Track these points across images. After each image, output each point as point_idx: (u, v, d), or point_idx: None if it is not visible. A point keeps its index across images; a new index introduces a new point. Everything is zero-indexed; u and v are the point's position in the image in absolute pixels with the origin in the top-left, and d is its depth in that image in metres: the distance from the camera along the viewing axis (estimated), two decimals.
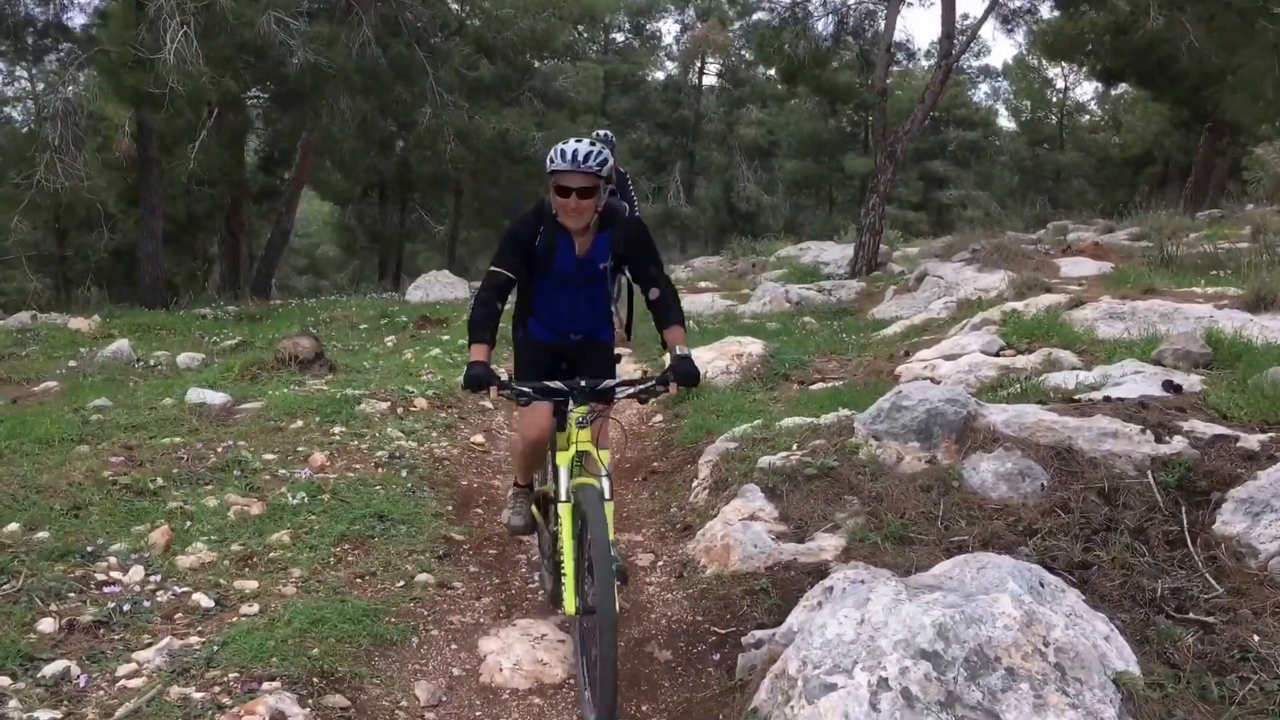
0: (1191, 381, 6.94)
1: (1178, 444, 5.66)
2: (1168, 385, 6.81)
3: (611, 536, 4.66)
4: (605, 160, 4.97)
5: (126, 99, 20.82)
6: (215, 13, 19.45)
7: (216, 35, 19.82)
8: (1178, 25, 19.38)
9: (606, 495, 4.82)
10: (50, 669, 4.47)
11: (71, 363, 12.44)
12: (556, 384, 4.96)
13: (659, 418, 9.72)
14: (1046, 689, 3.69)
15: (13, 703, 4.19)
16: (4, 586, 5.19)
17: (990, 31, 41.71)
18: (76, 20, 26.63)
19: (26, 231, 26.27)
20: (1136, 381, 7.13)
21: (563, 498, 4.91)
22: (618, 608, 4.63)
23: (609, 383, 5.03)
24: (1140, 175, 45.24)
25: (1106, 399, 6.58)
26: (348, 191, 39.00)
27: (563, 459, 4.96)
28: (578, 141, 5.00)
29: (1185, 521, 5.11)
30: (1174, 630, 4.40)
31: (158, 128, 21.97)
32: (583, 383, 4.94)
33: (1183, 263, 13.93)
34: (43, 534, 5.89)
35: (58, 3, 25.34)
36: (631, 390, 5.05)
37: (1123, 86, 40.32)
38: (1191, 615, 4.53)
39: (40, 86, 28.97)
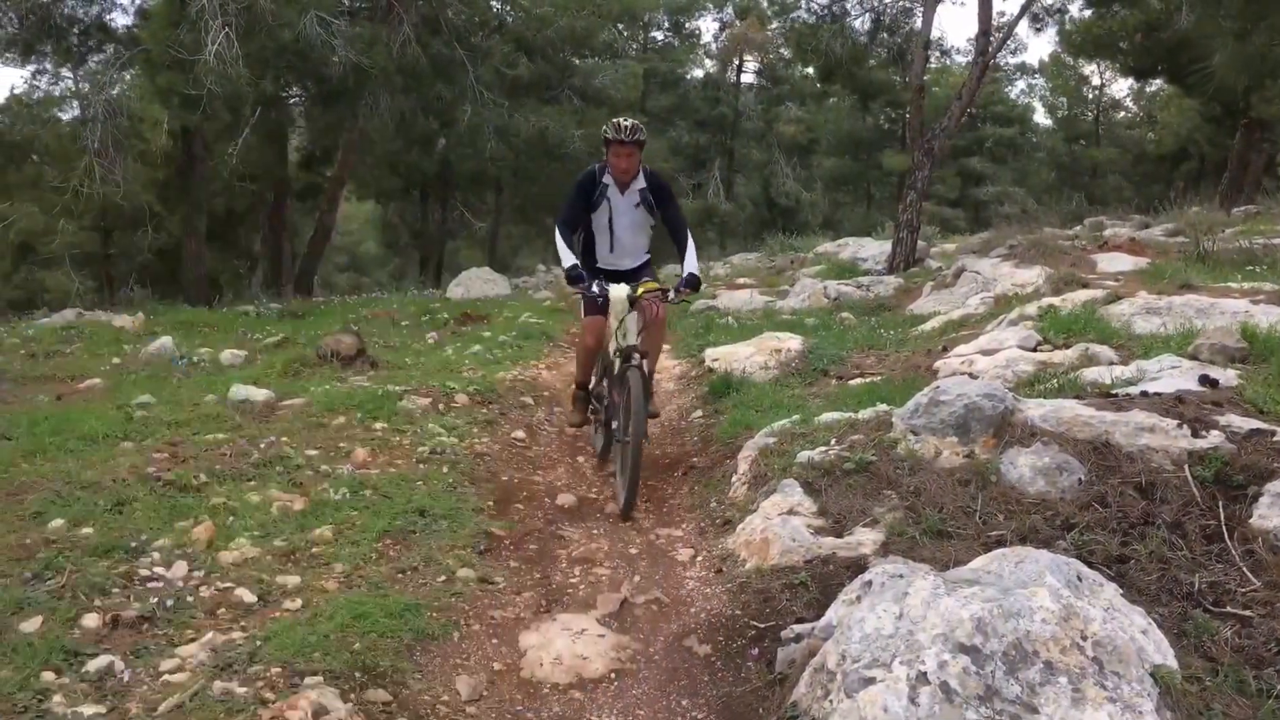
0: (1228, 376, 6.90)
1: (1214, 438, 5.64)
2: (1204, 380, 6.78)
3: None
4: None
5: (167, 100, 21.02)
6: (256, 13, 19.62)
7: (257, 35, 20.00)
8: (1209, 24, 19.25)
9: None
10: (95, 664, 4.51)
11: (115, 360, 12.57)
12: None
13: (699, 413, 9.77)
14: (1084, 683, 3.69)
15: (58, 698, 4.24)
16: (49, 582, 5.24)
17: (1026, 29, 41.70)
18: (119, 21, 26.87)
19: (71, 231, 26.57)
20: (1173, 376, 7.10)
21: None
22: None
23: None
24: (1176, 171, 45.05)
25: (1143, 394, 6.56)
26: (389, 189, 39.31)
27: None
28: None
29: (1222, 515, 5.09)
30: (1211, 624, 4.39)
31: (200, 127, 22.21)
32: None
33: (1219, 258, 13.79)
34: (87, 530, 5.95)
35: (101, 3, 25.62)
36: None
37: (1157, 83, 40.13)
38: (1229, 609, 4.52)
39: (85, 87, 29.29)
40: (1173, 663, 3.94)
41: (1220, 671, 4.07)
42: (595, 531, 6.99)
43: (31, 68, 29.69)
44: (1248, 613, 4.46)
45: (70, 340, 14.32)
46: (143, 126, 24.80)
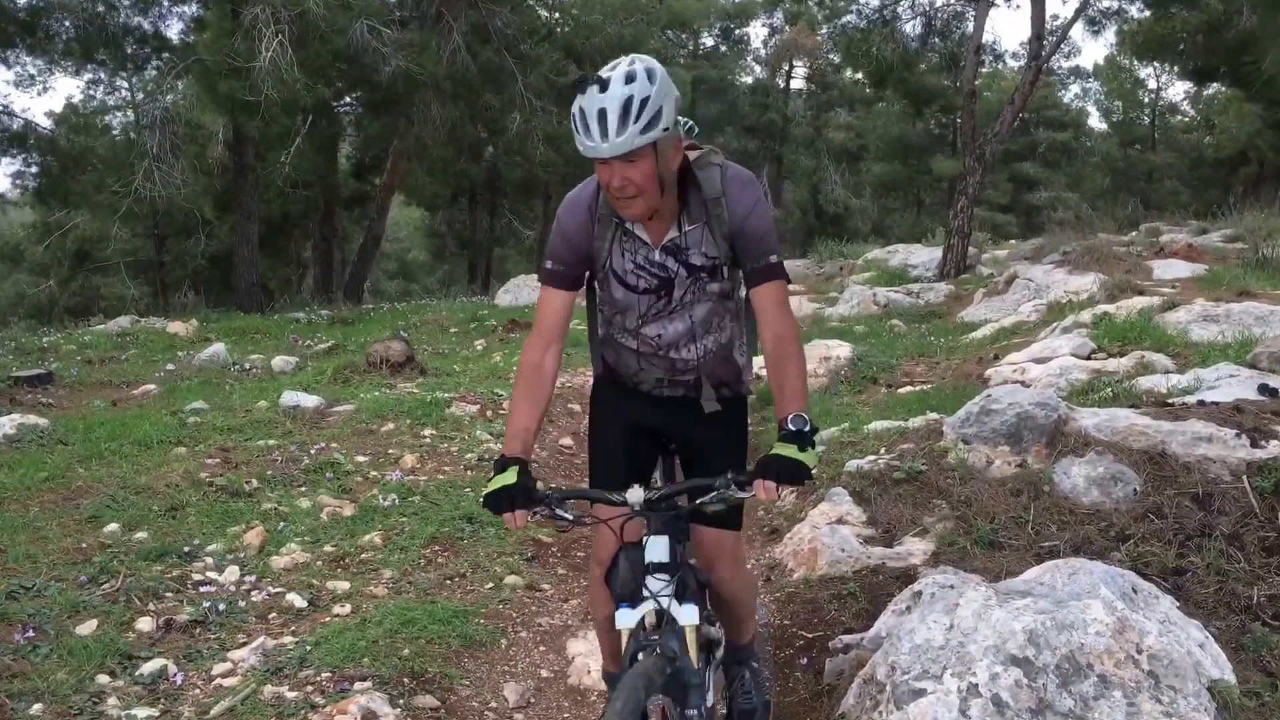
0: None
1: (1274, 448, 5.55)
2: (1263, 389, 6.70)
3: None
4: None
5: (222, 107, 21.30)
6: (309, 21, 19.85)
7: (310, 43, 20.25)
8: (1270, 25, 19.04)
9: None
10: (148, 667, 4.57)
11: (169, 366, 12.71)
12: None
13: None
14: (1139, 697, 3.63)
15: (112, 700, 4.30)
16: (104, 586, 5.33)
17: (1080, 32, 41.30)
18: (174, 30, 27.23)
19: (126, 239, 26.95)
20: (1231, 385, 7.02)
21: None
22: None
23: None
24: (1234, 176, 44.54)
25: (1200, 403, 6.49)
26: (438, 197, 39.58)
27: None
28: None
29: None
30: (1270, 638, 4.33)
31: (253, 135, 22.50)
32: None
33: (1278, 264, 13.65)
34: (141, 534, 6.05)
35: (157, 12, 25.92)
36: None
37: (1215, 86, 39.72)
38: None
39: (140, 96, 29.72)
40: (1230, 677, 3.87)
41: (1279, 686, 4.01)
42: None
43: (87, 77, 30.26)
44: None
45: (125, 346, 14.50)
46: (199, 133, 25.11)
